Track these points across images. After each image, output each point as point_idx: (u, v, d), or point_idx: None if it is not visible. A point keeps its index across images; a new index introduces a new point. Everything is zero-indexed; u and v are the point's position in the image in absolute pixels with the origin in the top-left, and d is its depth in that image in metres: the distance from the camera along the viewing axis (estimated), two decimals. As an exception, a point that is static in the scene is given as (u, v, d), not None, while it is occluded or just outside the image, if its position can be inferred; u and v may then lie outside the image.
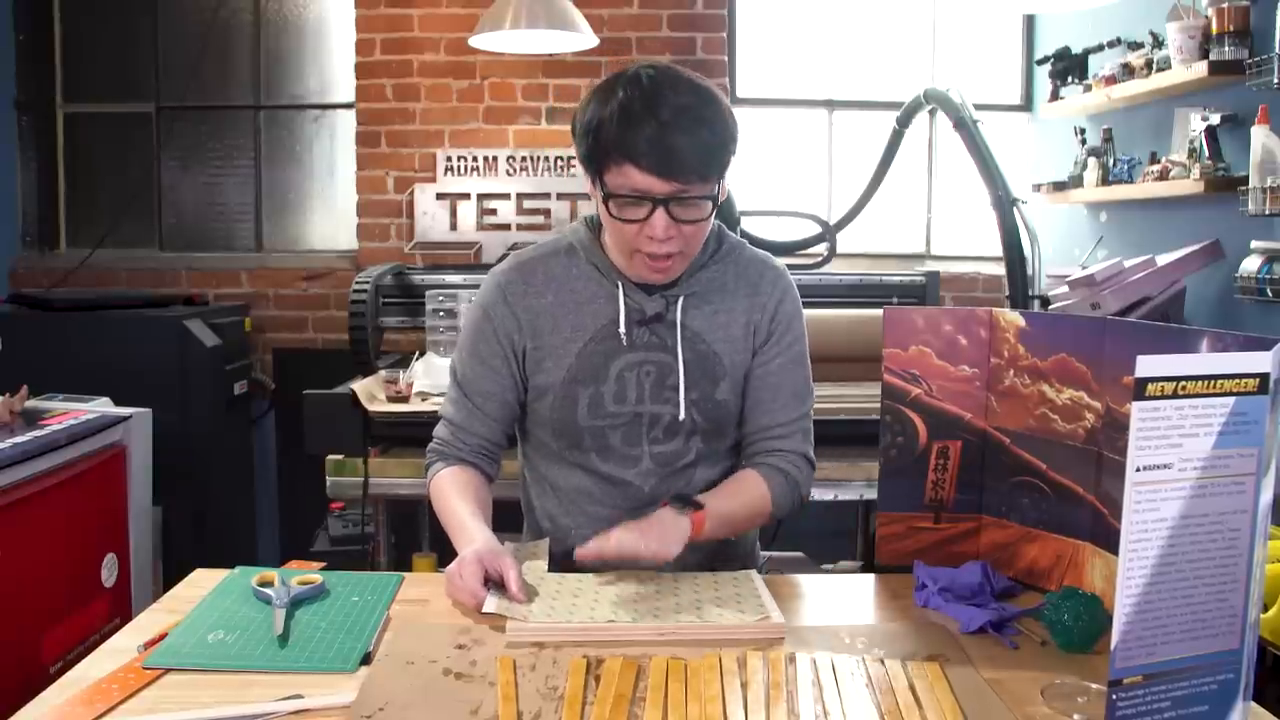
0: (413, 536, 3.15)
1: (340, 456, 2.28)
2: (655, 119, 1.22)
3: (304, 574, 1.30)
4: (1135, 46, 3.09)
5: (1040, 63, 3.65)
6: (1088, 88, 3.29)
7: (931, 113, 3.76)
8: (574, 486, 1.44)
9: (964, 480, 1.35)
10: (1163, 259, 2.86)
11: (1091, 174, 3.26)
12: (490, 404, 1.43)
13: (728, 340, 1.41)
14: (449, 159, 3.79)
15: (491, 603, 1.17)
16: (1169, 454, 0.81)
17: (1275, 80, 2.37)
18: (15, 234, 3.94)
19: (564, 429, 1.41)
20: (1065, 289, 2.97)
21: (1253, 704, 0.94)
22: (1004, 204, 2.78)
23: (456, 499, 1.37)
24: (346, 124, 3.93)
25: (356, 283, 2.91)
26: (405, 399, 2.35)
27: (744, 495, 1.40)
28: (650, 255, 1.30)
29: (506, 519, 1.62)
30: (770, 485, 1.41)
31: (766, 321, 1.43)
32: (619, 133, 1.23)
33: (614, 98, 1.25)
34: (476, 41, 2.96)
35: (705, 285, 1.41)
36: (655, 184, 1.24)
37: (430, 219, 3.80)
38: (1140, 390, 0.80)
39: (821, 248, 3.21)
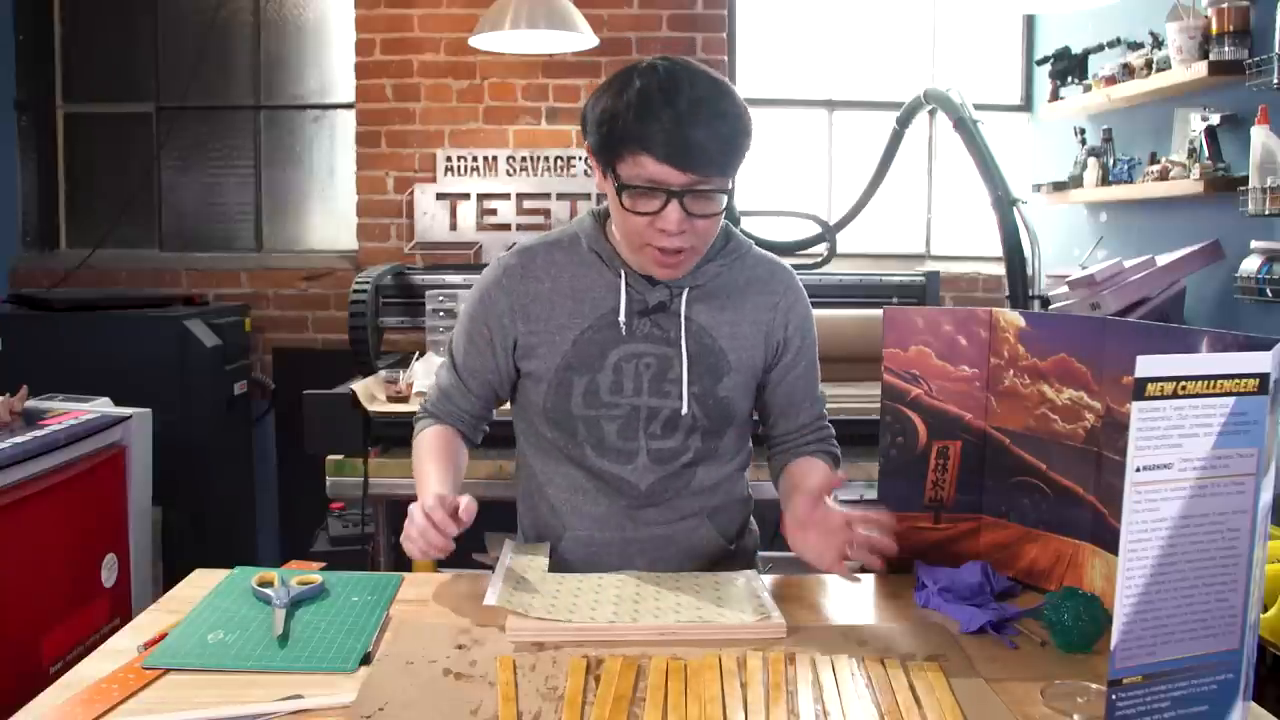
0: (412, 537, 3.15)
1: (340, 456, 2.29)
2: (673, 109, 1.21)
3: (304, 574, 1.30)
4: (1135, 46, 3.09)
5: (1040, 63, 3.64)
6: (1088, 88, 3.29)
7: (931, 113, 3.76)
8: (569, 484, 1.44)
9: (964, 480, 1.35)
10: (1163, 259, 2.86)
11: (1091, 174, 3.26)
12: (474, 380, 1.47)
13: (735, 338, 1.41)
14: (449, 159, 3.79)
15: (493, 595, 1.18)
16: (1169, 454, 0.81)
17: (1275, 80, 2.37)
18: (15, 234, 3.94)
19: (559, 419, 1.41)
20: (1065, 289, 2.97)
21: (1253, 704, 0.94)
22: (1004, 204, 2.78)
23: (430, 461, 1.41)
24: (346, 124, 3.93)
25: (356, 283, 2.91)
26: (405, 399, 2.35)
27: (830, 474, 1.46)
28: (661, 250, 1.30)
29: (506, 519, 1.63)
30: (829, 467, 1.49)
31: (782, 329, 1.44)
32: (635, 123, 1.22)
33: (630, 87, 1.24)
34: (476, 41, 2.96)
35: (711, 280, 1.41)
36: (671, 175, 1.23)
37: (430, 219, 3.79)
38: (1140, 390, 0.80)
39: (821, 248, 3.21)
